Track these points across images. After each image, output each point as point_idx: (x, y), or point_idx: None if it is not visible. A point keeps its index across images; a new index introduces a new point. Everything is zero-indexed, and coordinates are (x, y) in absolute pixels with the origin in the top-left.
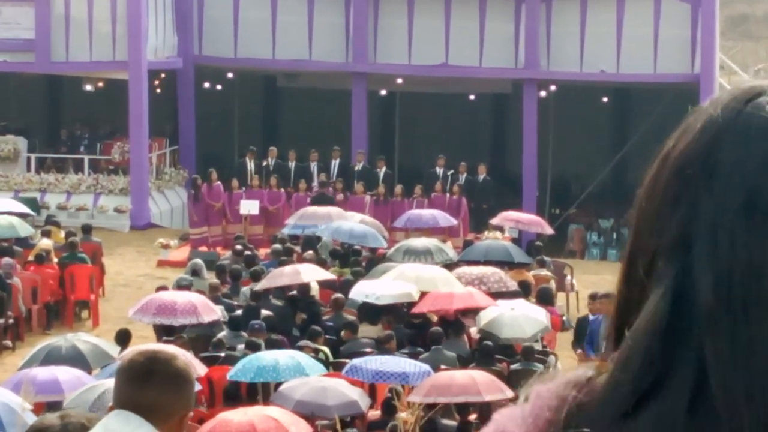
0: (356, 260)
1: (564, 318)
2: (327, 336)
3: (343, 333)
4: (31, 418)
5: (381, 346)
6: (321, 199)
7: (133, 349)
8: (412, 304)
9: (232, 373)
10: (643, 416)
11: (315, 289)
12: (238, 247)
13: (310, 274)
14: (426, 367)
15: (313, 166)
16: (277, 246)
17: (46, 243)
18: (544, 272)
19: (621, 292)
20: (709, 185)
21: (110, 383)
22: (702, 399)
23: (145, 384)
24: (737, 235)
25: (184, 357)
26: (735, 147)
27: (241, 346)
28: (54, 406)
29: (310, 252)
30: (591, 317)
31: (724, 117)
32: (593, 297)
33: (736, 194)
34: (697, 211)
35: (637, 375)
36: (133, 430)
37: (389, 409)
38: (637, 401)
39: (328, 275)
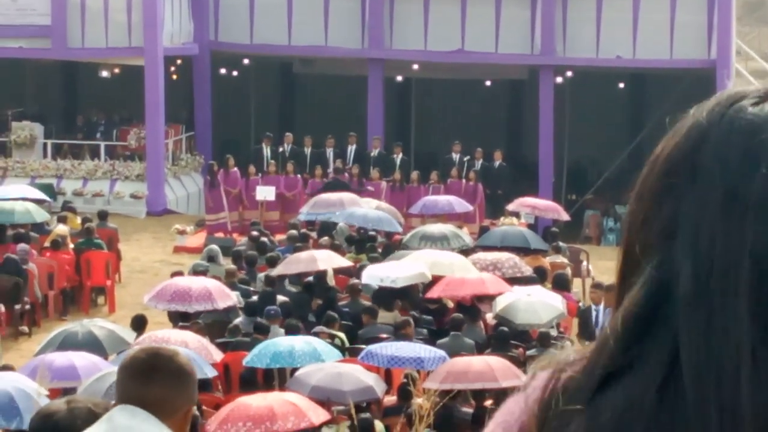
0: (372, 246)
1: (580, 304)
2: (343, 322)
3: (363, 318)
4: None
5: (398, 332)
6: (334, 185)
7: (146, 336)
8: (426, 290)
9: (248, 359)
10: (615, 393)
11: (330, 275)
12: (254, 233)
13: (327, 262)
14: (441, 352)
15: (329, 152)
16: (293, 232)
17: (62, 229)
18: (560, 258)
19: (619, 289)
20: (693, 183)
21: None
22: (674, 381)
23: (148, 381)
24: (717, 227)
25: (186, 354)
26: (717, 147)
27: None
28: (70, 392)
29: (326, 238)
30: (593, 306)
31: (708, 120)
32: (596, 286)
33: (717, 189)
34: (681, 207)
35: (611, 358)
36: (140, 423)
37: (405, 394)
38: (612, 380)
39: (344, 262)
